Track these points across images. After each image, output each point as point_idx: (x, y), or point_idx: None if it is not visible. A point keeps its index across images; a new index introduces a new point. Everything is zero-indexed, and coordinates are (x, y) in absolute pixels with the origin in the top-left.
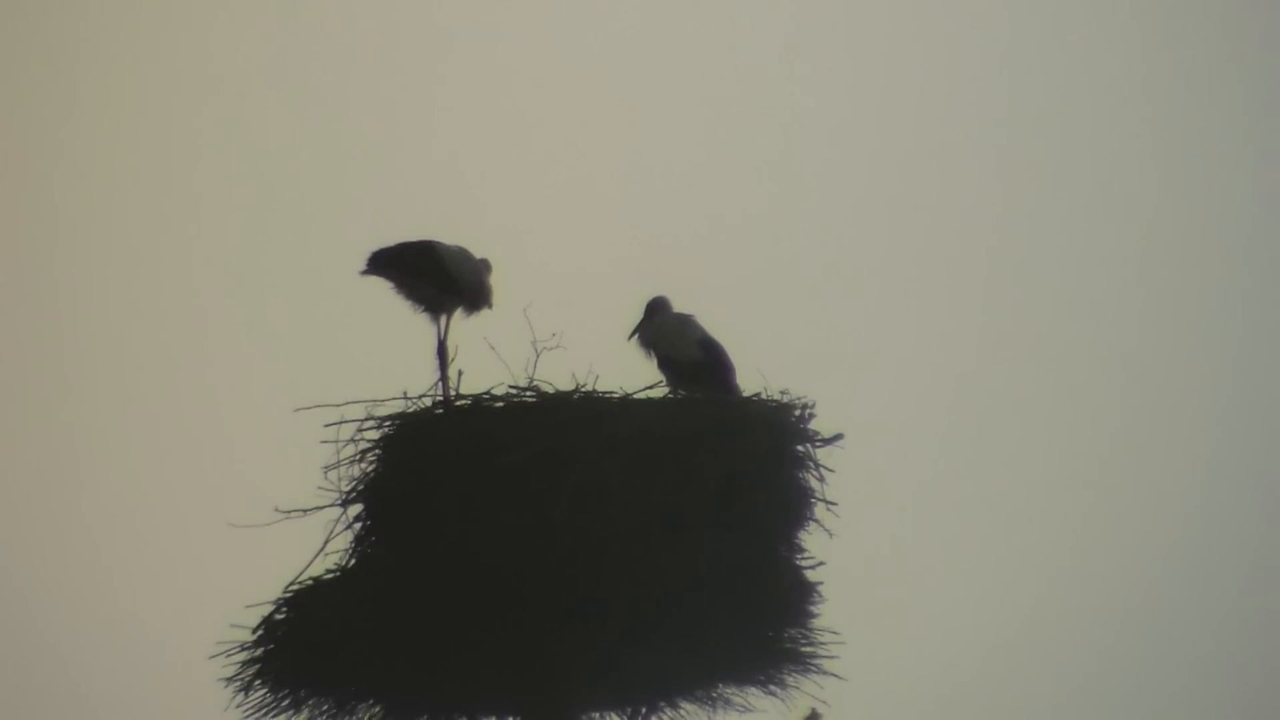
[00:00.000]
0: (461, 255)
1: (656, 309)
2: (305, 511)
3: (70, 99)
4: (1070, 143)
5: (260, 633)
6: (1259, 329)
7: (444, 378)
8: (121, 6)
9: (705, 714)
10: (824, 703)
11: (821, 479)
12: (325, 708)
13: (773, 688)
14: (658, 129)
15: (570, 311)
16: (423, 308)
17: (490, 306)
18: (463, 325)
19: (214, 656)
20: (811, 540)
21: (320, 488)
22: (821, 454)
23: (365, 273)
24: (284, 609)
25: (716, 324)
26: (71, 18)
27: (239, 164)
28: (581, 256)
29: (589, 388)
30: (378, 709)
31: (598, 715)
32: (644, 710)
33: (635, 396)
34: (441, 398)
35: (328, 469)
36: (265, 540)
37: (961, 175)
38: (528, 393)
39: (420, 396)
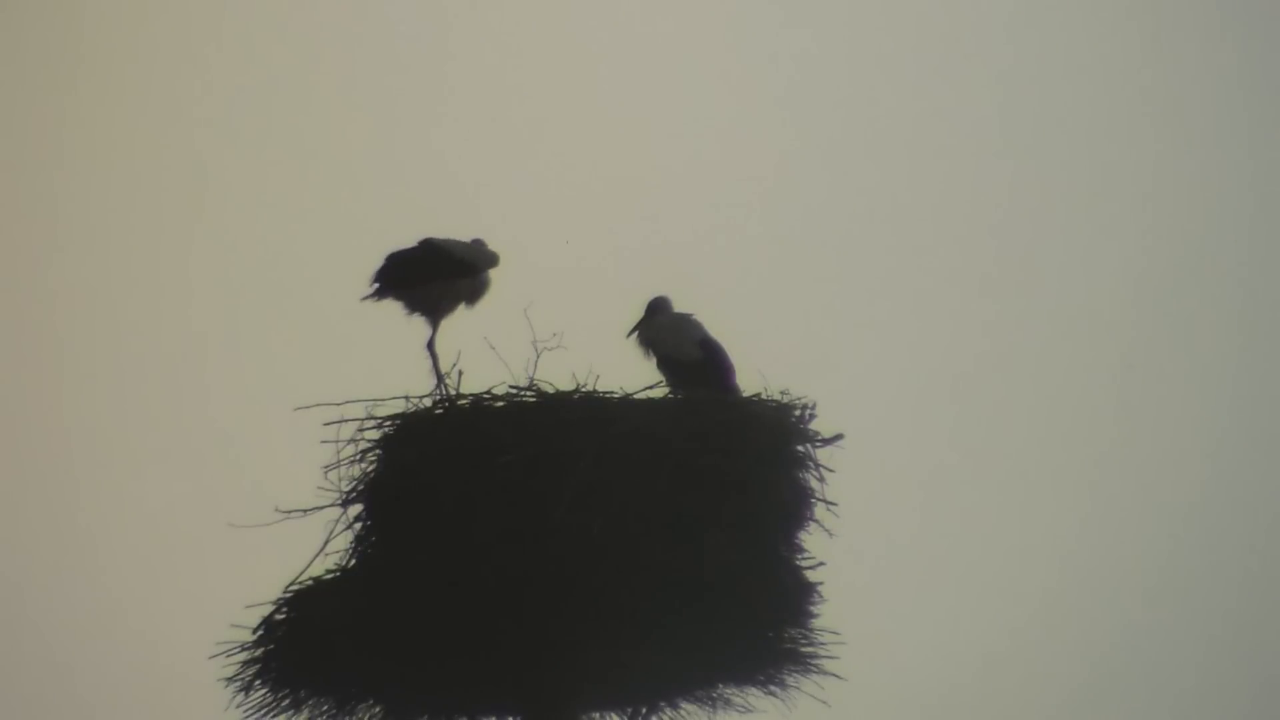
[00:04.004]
0: (456, 241)
1: (657, 309)
2: (305, 511)
3: (71, 99)
4: (1072, 142)
5: (260, 633)
6: (1260, 330)
7: (439, 377)
8: (121, 6)
9: (705, 714)
10: (824, 703)
11: (821, 479)
12: (325, 708)
13: (773, 688)
14: (659, 128)
15: (570, 311)
16: (428, 312)
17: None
18: (463, 325)
19: (214, 656)
20: (811, 540)
21: (320, 488)
22: (821, 454)
23: (378, 297)
24: (284, 609)
25: (716, 324)
26: (72, 17)
27: (239, 164)
28: (581, 256)
29: (589, 388)
30: (378, 709)
31: (598, 715)
32: (644, 710)
33: (635, 396)
34: (441, 397)
35: (328, 469)
36: (265, 540)
37: (963, 174)
38: (528, 393)
39: (421, 397)
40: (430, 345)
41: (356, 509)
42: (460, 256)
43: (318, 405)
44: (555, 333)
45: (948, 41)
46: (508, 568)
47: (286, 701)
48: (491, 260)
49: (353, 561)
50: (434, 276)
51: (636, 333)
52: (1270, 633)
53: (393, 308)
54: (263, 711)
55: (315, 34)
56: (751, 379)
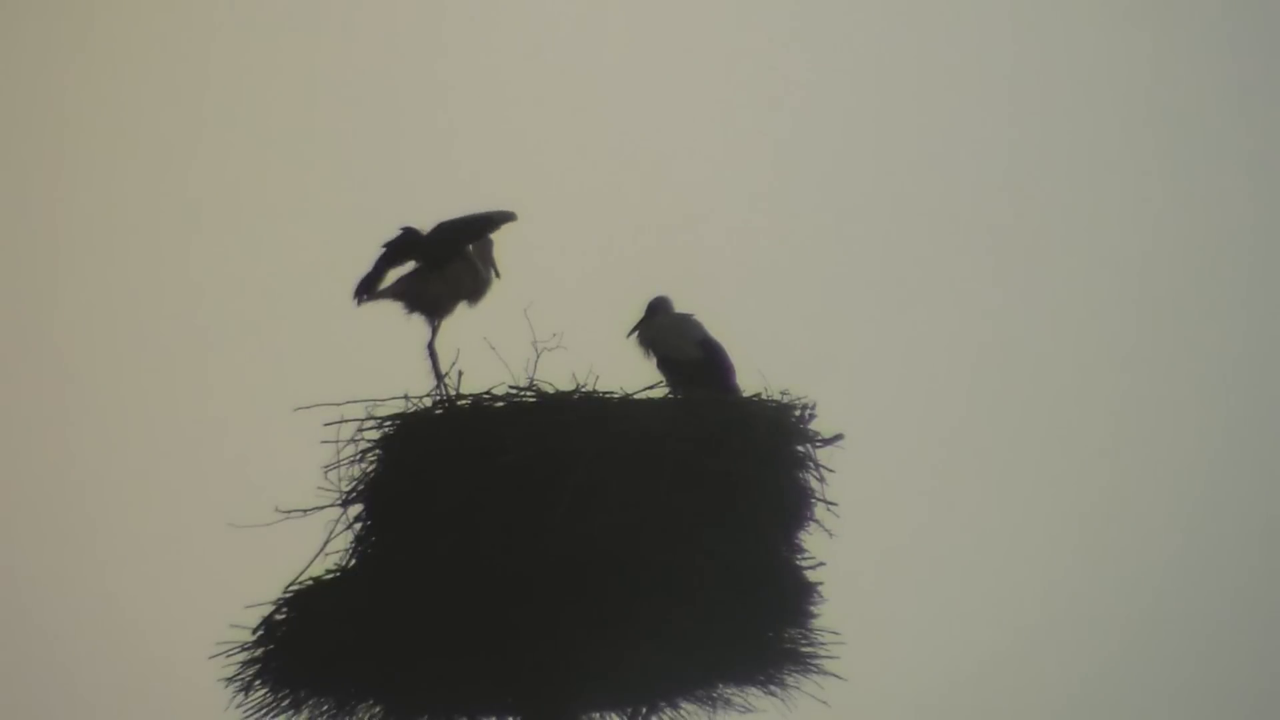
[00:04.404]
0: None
1: (658, 309)
2: (305, 511)
3: (69, 95)
4: (1073, 141)
5: (260, 633)
6: (1263, 330)
7: (439, 378)
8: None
9: (705, 714)
10: (824, 703)
11: (821, 479)
12: (325, 708)
13: (773, 688)
14: (659, 128)
15: (570, 311)
16: (428, 311)
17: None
18: (463, 325)
19: (214, 656)
20: (811, 540)
21: (320, 488)
22: (822, 454)
23: (367, 294)
24: (284, 609)
25: (716, 324)
26: (69, 10)
27: (239, 163)
28: (582, 256)
29: (589, 388)
30: (378, 709)
31: (598, 715)
32: (644, 710)
33: (635, 396)
34: (441, 397)
35: (328, 469)
36: (265, 540)
37: (963, 174)
38: (528, 393)
39: (420, 397)
40: (430, 346)
41: (356, 509)
42: (474, 215)
43: (318, 405)
44: (555, 333)
45: (949, 42)
46: (507, 568)
47: (286, 701)
48: (506, 215)
49: (353, 561)
50: (459, 246)
51: (636, 333)
52: (1271, 633)
53: (396, 307)
54: (263, 711)
55: (317, 35)
56: (751, 379)
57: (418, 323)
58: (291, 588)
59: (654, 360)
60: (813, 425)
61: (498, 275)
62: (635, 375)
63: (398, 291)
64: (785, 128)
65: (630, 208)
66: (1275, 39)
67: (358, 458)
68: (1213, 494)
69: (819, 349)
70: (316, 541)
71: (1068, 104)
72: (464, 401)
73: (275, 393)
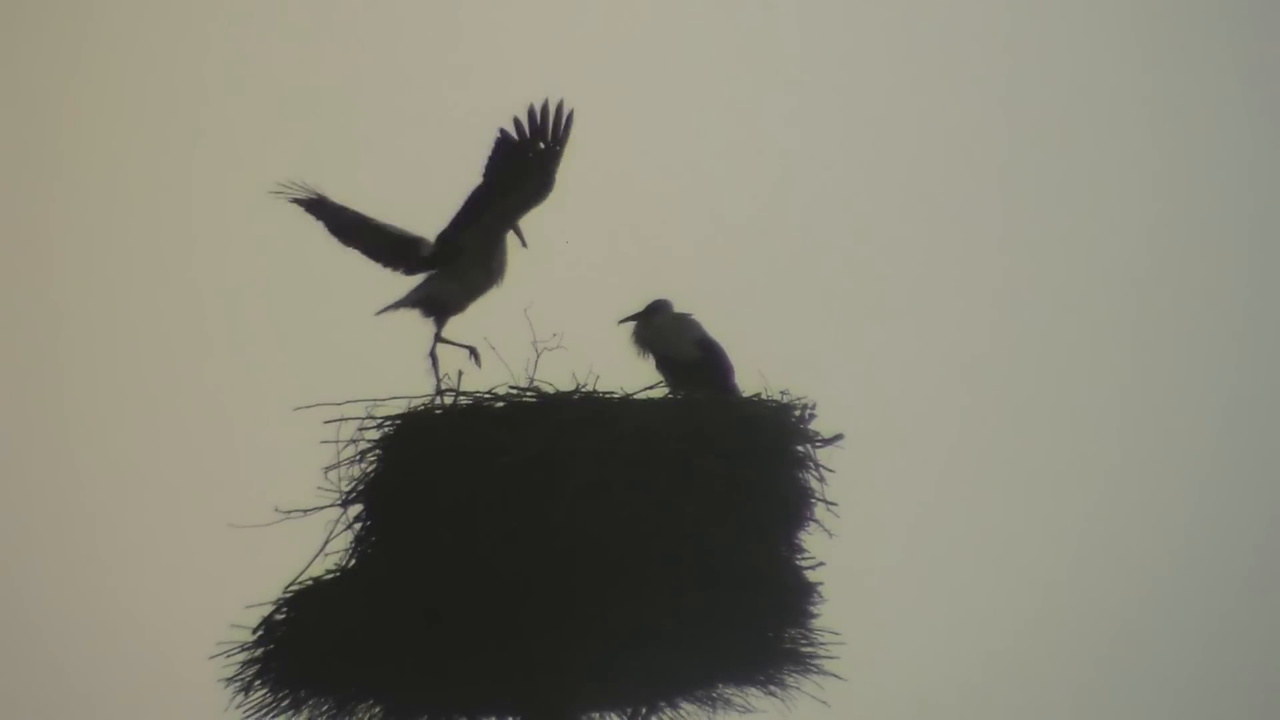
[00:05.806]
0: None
1: (657, 311)
2: (305, 511)
3: (72, 94)
4: (1075, 143)
5: (260, 633)
6: (1263, 331)
7: (439, 380)
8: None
9: (705, 714)
10: (824, 703)
11: (821, 479)
12: (325, 708)
13: (773, 688)
14: (659, 128)
15: (570, 311)
16: (442, 311)
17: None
18: (463, 326)
19: (214, 656)
20: (811, 540)
21: (320, 488)
22: (822, 454)
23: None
24: (284, 609)
25: (716, 324)
26: (69, 13)
27: (239, 161)
28: (582, 256)
29: (589, 388)
30: (378, 709)
31: (598, 715)
32: (644, 710)
33: (635, 396)
34: (444, 389)
35: (328, 469)
36: (265, 540)
37: (964, 175)
38: (528, 393)
39: (421, 397)
40: (434, 345)
41: (356, 509)
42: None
43: (318, 405)
44: (555, 333)
45: (949, 41)
46: (507, 568)
47: (286, 701)
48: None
49: (353, 561)
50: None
51: (634, 329)
52: (1272, 633)
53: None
54: (263, 711)
55: (319, 38)
56: (751, 379)
57: (418, 322)
58: (291, 588)
59: (652, 360)
60: (813, 425)
61: (524, 244)
62: (635, 375)
63: (414, 300)
64: (785, 127)
65: (631, 207)
66: (1275, 39)
67: (358, 458)
68: (1213, 493)
69: (819, 349)
70: (316, 541)
71: (1068, 104)
72: (464, 401)
73: (275, 393)
